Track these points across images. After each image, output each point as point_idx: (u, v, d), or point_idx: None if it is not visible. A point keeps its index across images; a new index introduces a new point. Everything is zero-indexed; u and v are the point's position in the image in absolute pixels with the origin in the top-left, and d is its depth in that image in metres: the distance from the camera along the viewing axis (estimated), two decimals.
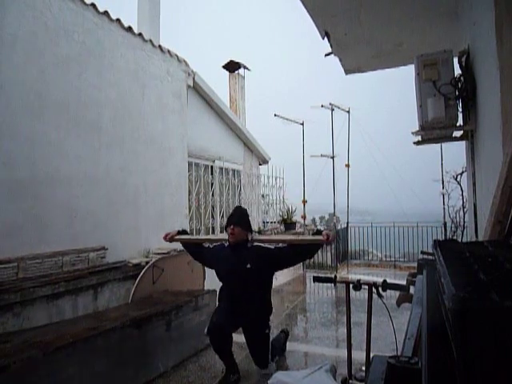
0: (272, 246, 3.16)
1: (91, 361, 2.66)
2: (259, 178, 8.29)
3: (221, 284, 3.33)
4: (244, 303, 3.10)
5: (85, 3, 3.91)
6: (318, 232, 3.18)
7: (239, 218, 3.22)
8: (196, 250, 3.46)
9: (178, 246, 4.94)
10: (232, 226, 3.12)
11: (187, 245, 3.53)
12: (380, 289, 2.43)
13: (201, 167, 6.12)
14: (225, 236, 3.31)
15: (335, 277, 2.71)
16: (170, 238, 3.45)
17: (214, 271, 3.36)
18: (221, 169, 6.76)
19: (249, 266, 3.04)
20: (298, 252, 3.12)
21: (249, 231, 3.23)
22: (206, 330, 3.07)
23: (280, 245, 3.17)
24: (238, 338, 3.29)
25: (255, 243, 3.19)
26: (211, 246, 3.34)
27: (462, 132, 2.73)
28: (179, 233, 3.53)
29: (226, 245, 3.23)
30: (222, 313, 3.15)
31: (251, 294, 3.10)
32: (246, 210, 3.45)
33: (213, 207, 6.49)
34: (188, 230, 5.48)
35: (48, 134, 3.50)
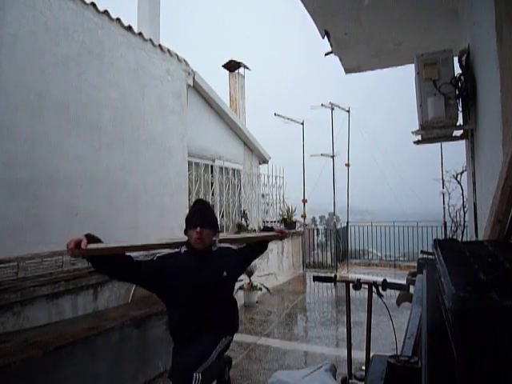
0: (234, 246, 2.61)
1: (91, 360, 2.67)
2: (259, 177, 8.29)
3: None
4: (215, 323, 2.30)
5: (85, 3, 3.91)
6: (268, 229, 2.70)
7: (206, 216, 2.38)
8: (123, 266, 2.15)
9: None
10: (199, 229, 2.25)
11: (104, 260, 2.04)
12: (380, 288, 2.43)
13: (201, 167, 6.12)
14: (166, 239, 2.52)
15: (335, 276, 2.71)
16: (73, 248, 1.88)
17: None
18: (221, 168, 6.76)
19: (225, 273, 2.35)
20: (253, 249, 2.63)
21: (217, 231, 2.51)
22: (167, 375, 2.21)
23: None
24: (238, 337, 3.29)
25: (220, 244, 2.51)
26: (155, 259, 2.29)
27: (462, 131, 2.73)
28: (88, 238, 1.96)
29: (183, 251, 2.36)
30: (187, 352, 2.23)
31: (222, 309, 2.38)
32: (209, 203, 2.69)
33: (213, 207, 6.49)
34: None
35: (48, 134, 3.50)
